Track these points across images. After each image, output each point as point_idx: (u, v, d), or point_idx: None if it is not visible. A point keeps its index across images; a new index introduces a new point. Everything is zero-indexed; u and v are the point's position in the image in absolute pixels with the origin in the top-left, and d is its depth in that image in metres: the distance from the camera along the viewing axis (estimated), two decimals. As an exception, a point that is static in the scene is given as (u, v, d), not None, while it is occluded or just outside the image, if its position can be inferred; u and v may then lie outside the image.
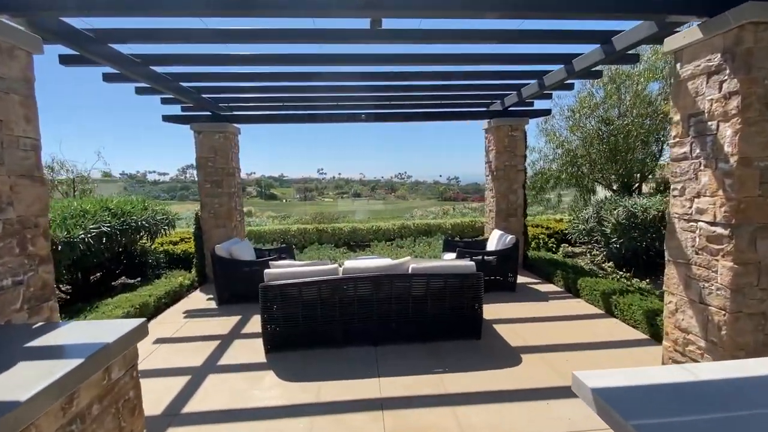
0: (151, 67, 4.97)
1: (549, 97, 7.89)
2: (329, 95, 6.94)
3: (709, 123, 3.10)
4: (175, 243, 9.28)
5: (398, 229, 11.59)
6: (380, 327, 4.53)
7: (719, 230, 3.05)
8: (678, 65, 3.42)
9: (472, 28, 4.23)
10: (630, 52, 4.53)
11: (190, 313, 5.93)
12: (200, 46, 4.72)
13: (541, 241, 9.59)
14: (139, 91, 6.15)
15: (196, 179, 7.82)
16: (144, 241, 7.76)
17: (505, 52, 5.10)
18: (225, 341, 4.80)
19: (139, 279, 7.43)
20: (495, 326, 5.01)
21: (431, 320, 4.58)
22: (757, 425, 1.18)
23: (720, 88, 3.00)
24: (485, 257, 6.53)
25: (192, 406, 3.41)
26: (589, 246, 9.21)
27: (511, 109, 7.82)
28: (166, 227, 7.58)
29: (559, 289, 6.65)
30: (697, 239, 3.25)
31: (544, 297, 6.31)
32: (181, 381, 3.83)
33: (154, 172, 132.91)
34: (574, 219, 8.77)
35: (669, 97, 9.04)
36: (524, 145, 8.24)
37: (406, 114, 8.47)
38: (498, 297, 6.11)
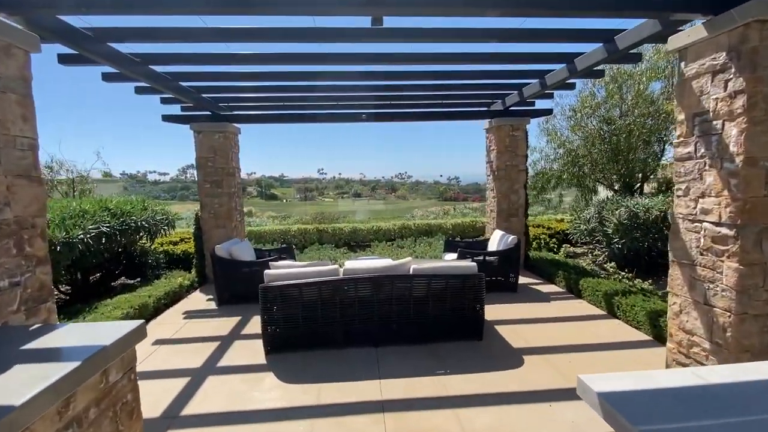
0: (150, 66, 4.95)
1: (550, 96, 7.86)
2: (330, 95, 6.92)
3: (714, 122, 3.07)
4: (175, 243, 9.26)
5: (399, 230, 11.57)
6: (381, 328, 4.50)
7: (724, 231, 3.02)
8: (682, 64, 3.39)
9: (474, 26, 4.21)
10: (633, 51, 4.50)
11: (190, 314, 5.91)
12: (200, 45, 4.71)
13: (542, 242, 9.56)
14: (139, 90, 6.13)
15: (196, 179, 7.80)
16: (144, 242, 7.74)
17: (507, 51, 5.07)
18: (225, 342, 4.78)
19: (138, 279, 7.40)
20: (496, 327, 4.98)
21: (432, 321, 4.55)
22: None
23: (725, 87, 2.98)
24: (486, 258, 6.50)
25: (191, 408, 3.38)
26: (591, 246, 9.17)
27: (512, 108, 7.79)
28: (165, 227, 7.55)
29: (560, 290, 6.62)
30: (702, 240, 3.22)
31: (545, 298, 6.28)
32: (180, 383, 3.81)
33: (155, 172, 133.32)
34: (575, 219, 8.74)
35: (671, 96, 9.03)
36: (525, 144, 8.21)
37: (407, 113, 8.46)
38: (499, 298, 6.08)
